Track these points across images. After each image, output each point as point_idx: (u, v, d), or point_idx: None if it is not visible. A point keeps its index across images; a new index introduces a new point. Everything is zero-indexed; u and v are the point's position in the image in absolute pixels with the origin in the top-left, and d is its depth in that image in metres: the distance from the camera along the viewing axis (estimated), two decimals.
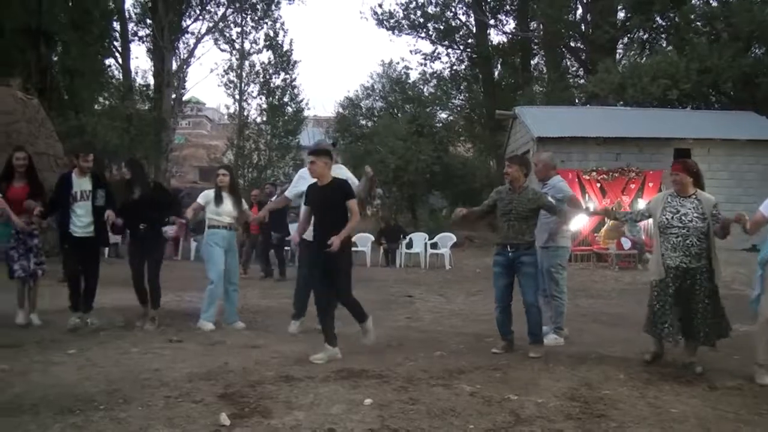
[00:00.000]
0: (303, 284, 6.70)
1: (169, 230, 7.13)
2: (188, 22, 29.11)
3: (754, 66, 20.17)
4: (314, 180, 5.74)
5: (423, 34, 30.18)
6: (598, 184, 15.49)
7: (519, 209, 5.81)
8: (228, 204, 7.09)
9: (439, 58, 30.89)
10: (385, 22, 29.83)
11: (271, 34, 29.90)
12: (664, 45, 25.45)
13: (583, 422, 3.92)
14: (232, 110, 31.64)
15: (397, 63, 31.54)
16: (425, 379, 4.77)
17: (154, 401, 4.16)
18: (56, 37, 23.52)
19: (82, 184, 6.77)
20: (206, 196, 7.21)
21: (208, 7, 29.31)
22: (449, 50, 30.90)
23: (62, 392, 4.35)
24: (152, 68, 28.51)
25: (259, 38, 30.22)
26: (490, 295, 6.80)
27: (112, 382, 4.61)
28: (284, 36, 30.67)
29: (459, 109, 32.22)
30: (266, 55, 30.34)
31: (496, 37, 31.84)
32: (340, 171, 6.52)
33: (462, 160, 27.94)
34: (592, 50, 25.57)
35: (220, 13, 29.54)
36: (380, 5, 32.30)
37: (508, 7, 30.46)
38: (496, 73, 31.68)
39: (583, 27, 27.11)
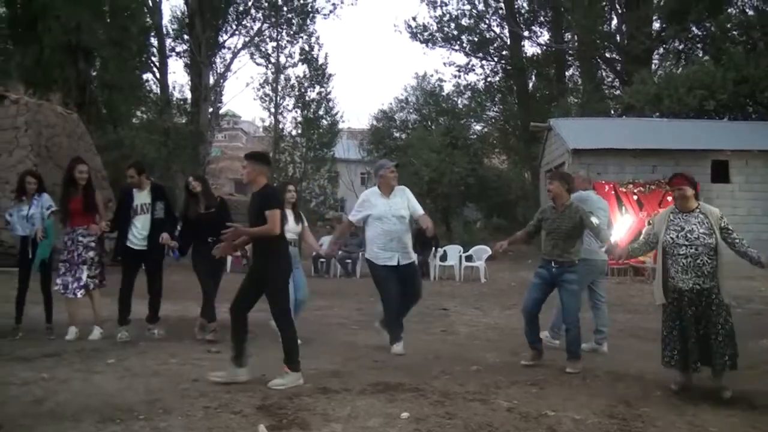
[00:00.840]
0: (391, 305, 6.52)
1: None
2: (225, 37, 29.59)
3: None
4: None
5: (457, 47, 30.28)
6: (635, 197, 15.31)
7: (563, 227, 5.79)
8: (291, 220, 6.85)
9: (473, 70, 30.97)
10: (418, 35, 30.04)
11: (307, 48, 30.41)
12: (700, 55, 25.17)
13: None
14: (267, 123, 32.18)
15: (431, 75, 32.01)
16: (462, 394, 4.74)
17: (194, 411, 4.22)
18: (95, 53, 24.21)
19: (142, 197, 6.93)
20: None
21: (244, 23, 29.73)
22: (483, 62, 30.96)
23: (103, 401, 4.42)
24: (189, 83, 28.99)
25: (294, 52, 30.64)
26: None
27: (151, 391, 4.68)
28: (319, 50, 31.21)
29: (493, 120, 32.17)
30: (301, 69, 30.89)
31: (530, 49, 31.73)
32: (404, 193, 6.60)
33: (497, 172, 27.92)
34: (627, 61, 25.35)
35: (256, 28, 29.96)
36: (414, 18, 32.27)
37: (542, 18, 30.39)
38: (531, 85, 31.61)
39: (618, 38, 26.92)
